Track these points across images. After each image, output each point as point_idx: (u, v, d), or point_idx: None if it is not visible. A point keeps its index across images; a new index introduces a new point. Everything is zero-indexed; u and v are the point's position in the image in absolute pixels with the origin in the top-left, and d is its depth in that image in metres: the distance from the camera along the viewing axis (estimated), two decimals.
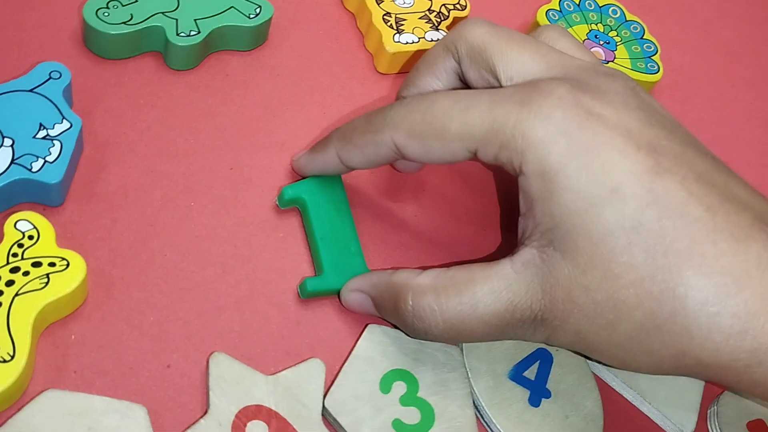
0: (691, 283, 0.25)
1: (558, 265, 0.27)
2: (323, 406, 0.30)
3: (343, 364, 0.32)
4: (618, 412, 0.34)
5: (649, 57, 0.45)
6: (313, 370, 0.31)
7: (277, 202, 0.35)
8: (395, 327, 0.32)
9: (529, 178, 0.27)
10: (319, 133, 0.38)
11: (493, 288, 0.28)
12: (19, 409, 0.27)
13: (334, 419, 0.30)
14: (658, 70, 0.44)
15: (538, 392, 0.32)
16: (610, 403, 0.34)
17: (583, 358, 0.34)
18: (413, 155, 0.30)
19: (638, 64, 0.44)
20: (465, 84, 0.33)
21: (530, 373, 0.33)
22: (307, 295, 0.33)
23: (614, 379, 0.34)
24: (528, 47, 0.30)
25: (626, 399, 0.34)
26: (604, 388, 0.34)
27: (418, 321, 0.29)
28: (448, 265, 0.30)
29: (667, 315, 0.26)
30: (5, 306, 0.28)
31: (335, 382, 0.31)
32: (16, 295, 0.28)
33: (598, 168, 0.26)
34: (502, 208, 0.38)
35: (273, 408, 0.29)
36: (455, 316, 0.28)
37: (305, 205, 0.34)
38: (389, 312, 0.31)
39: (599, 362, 0.31)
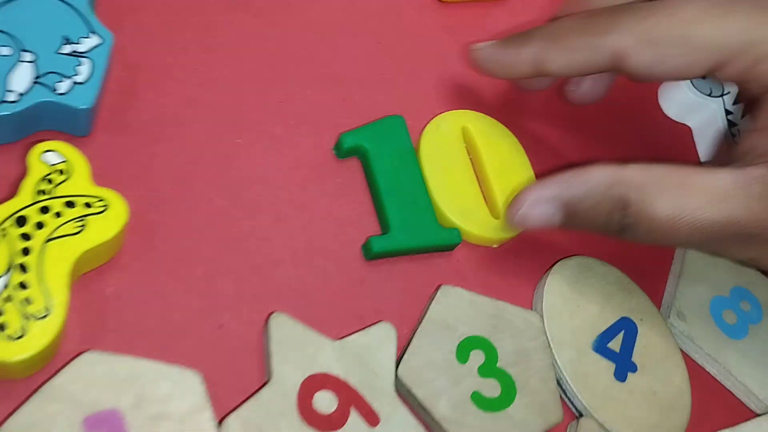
0: None
1: None
2: (395, 376, 0.27)
3: (413, 329, 0.28)
4: (701, 387, 0.31)
5: None
6: (384, 336, 0.27)
7: (334, 152, 0.31)
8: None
9: None
10: (375, 68, 0.34)
11: (712, 197, 0.26)
12: (54, 374, 0.23)
13: (409, 391, 0.26)
14: None
15: (624, 365, 0.29)
16: (692, 377, 0.31)
17: (668, 329, 0.31)
18: (638, 65, 0.27)
19: None
20: None
21: (615, 344, 0.30)
22: (372, 257, 0.29)
23: (698, 351, 0.32)
24: None
25: (710, 374, 0.32)
26: (686, 361, 0.32)
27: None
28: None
29: None
30: (35, 252, 0.24)
31: (409, 350, 0.27)
32: (48, 240, 0.24)
33: None
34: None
35: (342, 377, 0.26)
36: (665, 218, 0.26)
37: (366, 154, 0.30)
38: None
39: None
